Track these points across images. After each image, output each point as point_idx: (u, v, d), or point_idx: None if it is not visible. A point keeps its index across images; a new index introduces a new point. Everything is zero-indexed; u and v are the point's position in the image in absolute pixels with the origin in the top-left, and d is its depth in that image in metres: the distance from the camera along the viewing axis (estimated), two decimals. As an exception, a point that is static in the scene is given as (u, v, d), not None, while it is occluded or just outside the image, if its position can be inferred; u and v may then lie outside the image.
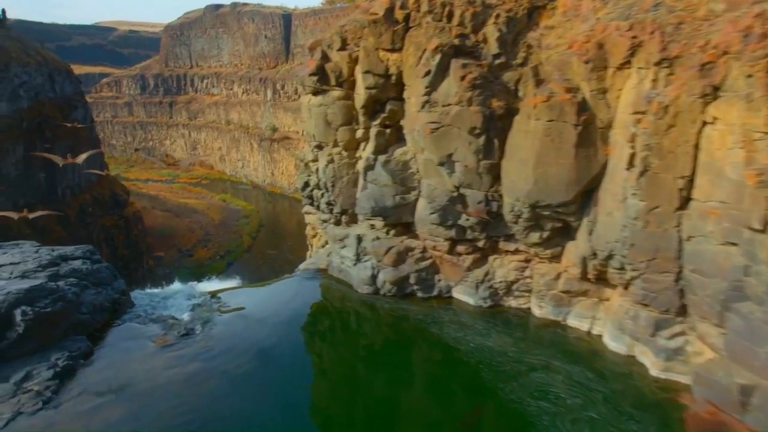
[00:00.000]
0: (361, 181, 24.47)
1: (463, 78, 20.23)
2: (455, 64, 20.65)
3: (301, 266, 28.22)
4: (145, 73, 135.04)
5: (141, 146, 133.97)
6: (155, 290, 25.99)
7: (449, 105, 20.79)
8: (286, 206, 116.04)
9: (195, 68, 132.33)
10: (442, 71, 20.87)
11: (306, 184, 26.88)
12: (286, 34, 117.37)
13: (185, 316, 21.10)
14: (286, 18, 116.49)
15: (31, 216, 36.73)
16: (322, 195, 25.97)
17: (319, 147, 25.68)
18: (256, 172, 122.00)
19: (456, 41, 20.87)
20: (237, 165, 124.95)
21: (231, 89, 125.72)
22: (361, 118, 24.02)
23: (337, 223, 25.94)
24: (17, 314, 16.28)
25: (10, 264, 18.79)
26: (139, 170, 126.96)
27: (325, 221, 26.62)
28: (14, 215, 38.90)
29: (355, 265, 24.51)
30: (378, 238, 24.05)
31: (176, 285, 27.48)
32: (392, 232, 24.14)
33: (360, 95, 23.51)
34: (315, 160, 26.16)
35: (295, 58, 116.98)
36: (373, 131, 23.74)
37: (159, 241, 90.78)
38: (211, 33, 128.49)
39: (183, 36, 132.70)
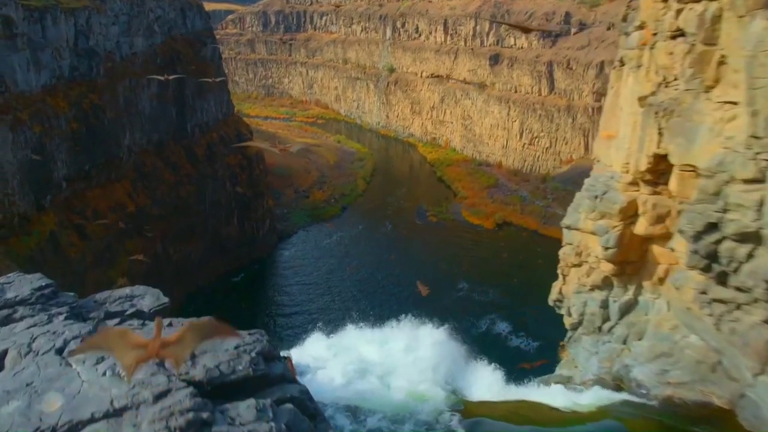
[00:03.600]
0: None
1: None
2: None
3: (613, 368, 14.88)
4: (267, 10, 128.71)
5: (261, 84, 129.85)
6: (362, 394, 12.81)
7: None
8: (400, 151, 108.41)
9: (314, 4, 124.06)
10: None
11: (710, 228, 12.13)
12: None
13: None
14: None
15: (171, 77, 41.71)
16: (750, 256, 11.54)
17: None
18: (370, 113, 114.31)
19: None
20: (352, 105, 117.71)
21: (349, 27, 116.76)
22: None
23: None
24: None
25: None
26: (260, 107, 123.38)
27: (724, 302, 12.11)
28: (160, 77, 42.75)
29: None
30: None
31: (400, 395, 13.23)
32: None
33: None
34: (757, 180, 11.39)
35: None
36: None
37: (277, 180, 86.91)
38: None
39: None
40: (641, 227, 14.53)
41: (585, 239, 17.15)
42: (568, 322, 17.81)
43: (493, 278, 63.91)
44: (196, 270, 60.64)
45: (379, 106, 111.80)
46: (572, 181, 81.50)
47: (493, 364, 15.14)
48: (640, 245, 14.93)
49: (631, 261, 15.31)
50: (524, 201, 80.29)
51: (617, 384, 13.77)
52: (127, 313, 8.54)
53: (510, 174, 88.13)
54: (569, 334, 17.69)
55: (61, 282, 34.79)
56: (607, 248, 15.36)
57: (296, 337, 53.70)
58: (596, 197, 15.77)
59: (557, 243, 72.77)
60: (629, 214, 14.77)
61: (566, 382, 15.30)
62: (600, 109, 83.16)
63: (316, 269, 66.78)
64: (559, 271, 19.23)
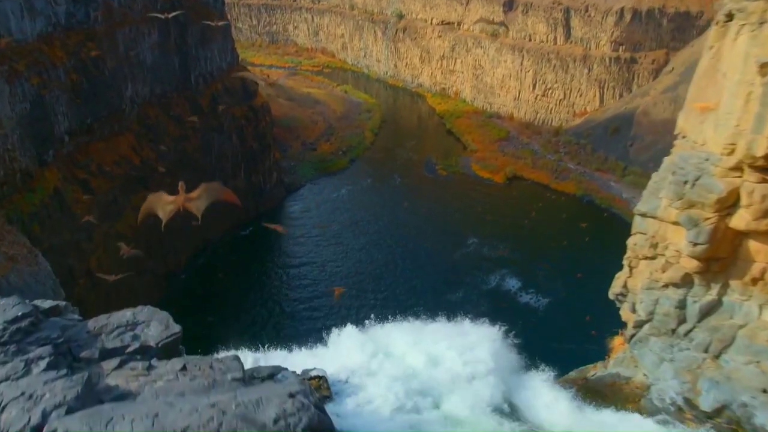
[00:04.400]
0: None
1: None
2: None
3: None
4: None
5: (265, 30, 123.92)
6: None
7: None
8: (408, 101, 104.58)
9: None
10: None
11: None
12: None
13: None
14: None
15: (171, 15, 40.16)
16: None
17: None
18: (378, 62, 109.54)
19: None
20: (359, 54, 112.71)
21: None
22: None
23: None
24: None
25: None
26: (264, 55, 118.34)
27: None
28: (160, 15, 41.28)
29: None
30: None
31: None
32: None
33: None
34: None
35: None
36: None
37: (283, 132, 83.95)
38: None
39: None
40: (741, 221, 11.88)
41: (664, 229, 14.22)
42: (628, 317, 15.53)
43: (504, 233, 62.36)
44: (204, 224, 58.97)
45: (387, 55, 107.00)
46: (585, 134, 78.44)
47: (552, 376, 13.07)
48: (733, 240, 12.40)
49: (720, 257, 12.73)
50: (536, 155, 77.57)
51: (733, 429, 11.38)
52: (129, 349, 6.49)
53: (521, 127, 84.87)
54: (631, 331, 15.36)
55: (69, 239, 32.87)
56: (696, 244, 12.65)
57: (306, 288, 52.91)
58: (685, 182, 12.81)
59: (568, 198, 71.36)
60: (727, 204, 12.06)
61: (625, 383, 13.40)
62: (617, 59, 79.02)
63: (325, 222, 65.25)
64: (625, 263, 16.20)
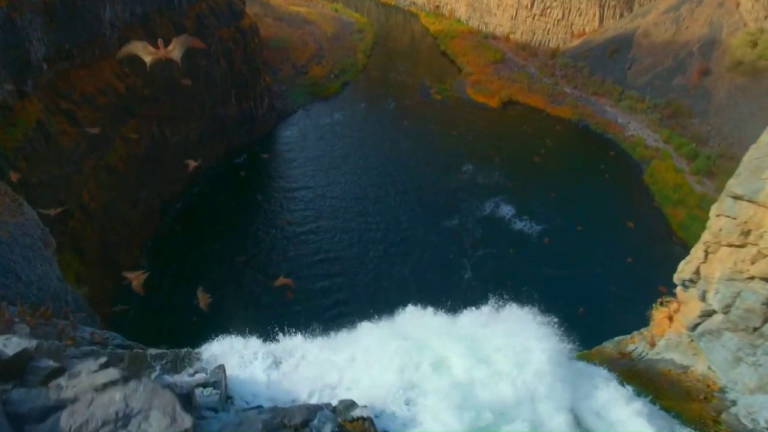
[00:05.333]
0: None
1: None
2: None
3: None
4: None
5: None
6: None
7: None
8: (400, 21, 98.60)
9: None
10: None
11: None
12: None
13: None
14: None
15: None
16: None
17: None
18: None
19: None
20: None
21: None
22: None
23: None
24: None
25: None
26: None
27: None
28: None
29: None
30: None
31: None
32: None
33: None
34: None
35: None
36: None
37: (273, 54, 79.31)
38: None
39: None
40: None
41: (761, 216, 11.99)
42: (691, 299, 13.74)
43: (498, 160, 60.98)
44: (196, 152, 56.62)
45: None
46: (583, 56, 74.75)
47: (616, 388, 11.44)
48: None
49: (830, 250, 10.72)
50: (531, 78, 74.29)
51: None
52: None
53: (518, 48, 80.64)
54: (695, 319, 13.41)
55: (57, 174, 30.57)
56: None
57: (305, 212, 51.69)
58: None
59: (564, 123, 69.25)
60: None
61: (682, 372, 12.12)
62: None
63: (320, 147, 63.32)
64: (701, 247, 13.87)
